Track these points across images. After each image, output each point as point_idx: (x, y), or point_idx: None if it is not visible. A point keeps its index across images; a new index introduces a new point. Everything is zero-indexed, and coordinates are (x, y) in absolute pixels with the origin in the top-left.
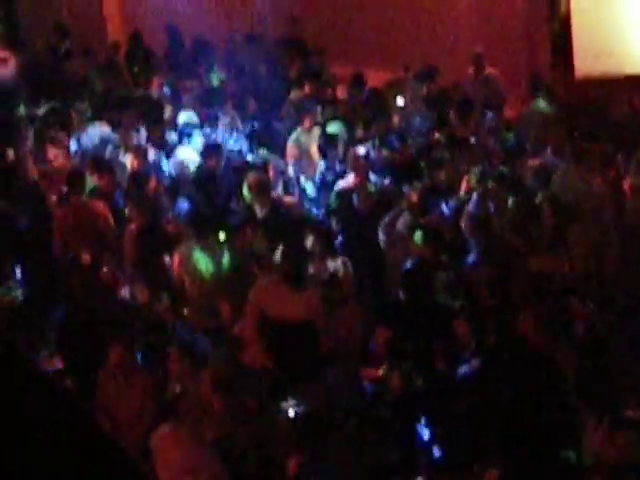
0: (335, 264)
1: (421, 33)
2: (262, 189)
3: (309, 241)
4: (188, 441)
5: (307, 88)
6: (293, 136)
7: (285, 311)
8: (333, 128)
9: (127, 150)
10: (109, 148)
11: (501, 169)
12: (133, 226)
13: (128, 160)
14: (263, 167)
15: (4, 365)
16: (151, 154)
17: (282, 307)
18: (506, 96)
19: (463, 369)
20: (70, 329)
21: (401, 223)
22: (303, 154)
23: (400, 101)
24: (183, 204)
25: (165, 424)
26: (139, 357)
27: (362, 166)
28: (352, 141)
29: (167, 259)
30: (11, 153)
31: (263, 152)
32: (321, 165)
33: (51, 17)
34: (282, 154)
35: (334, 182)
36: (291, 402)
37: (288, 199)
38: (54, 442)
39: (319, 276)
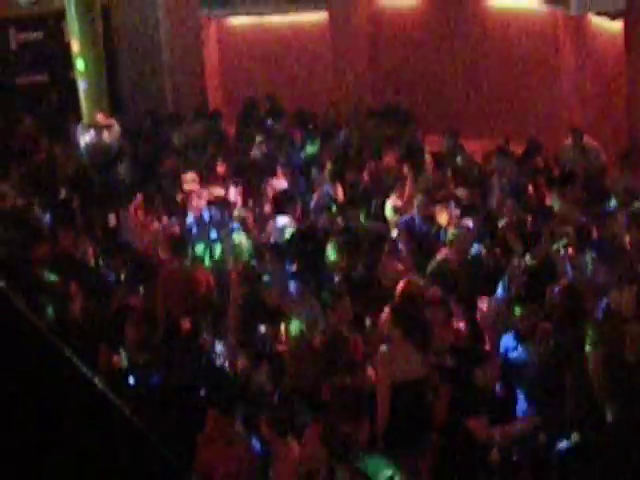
0: None
1: (520, 104)
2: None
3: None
4: None
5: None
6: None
7: (410, 371)
8: None
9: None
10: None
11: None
12: (237, 293)
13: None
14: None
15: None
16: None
17: (408, 368)
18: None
19: (563, 444)
20: (168, 394)
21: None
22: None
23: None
24: (288, 270)
25: None
26: (238, 424)
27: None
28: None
29: (268, 328)
30: (113, 219)
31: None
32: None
33: (153, 85)
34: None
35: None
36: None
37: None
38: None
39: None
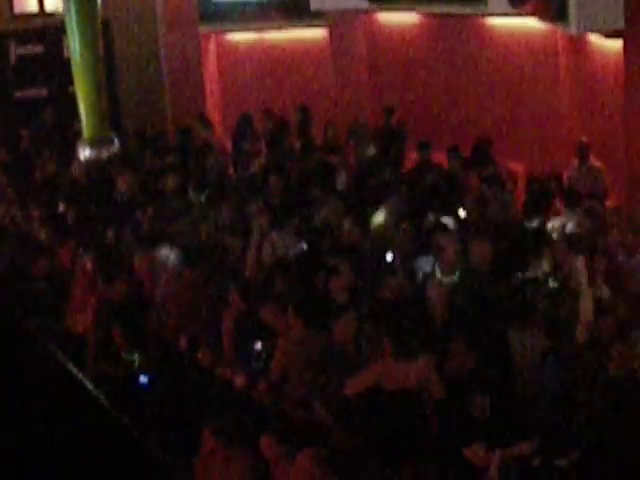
0: None
1: (521, 123)
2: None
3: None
4: None
5: None
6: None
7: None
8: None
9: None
10: None
11: None
12: (233, 308)
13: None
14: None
15: None
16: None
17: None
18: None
19: (560, 462)
20: (165, 408)
21: None
22: None
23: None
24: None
25: None
26: (236, 440)
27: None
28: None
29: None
30: (111, 234)
31: None
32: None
33: (152, 100)
34: None
35: None
36: None
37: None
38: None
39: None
